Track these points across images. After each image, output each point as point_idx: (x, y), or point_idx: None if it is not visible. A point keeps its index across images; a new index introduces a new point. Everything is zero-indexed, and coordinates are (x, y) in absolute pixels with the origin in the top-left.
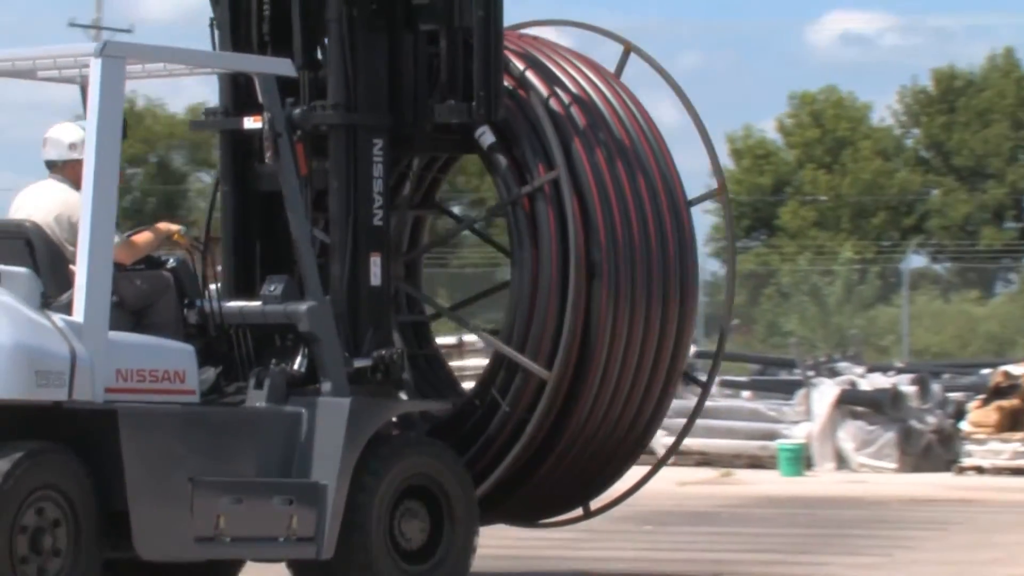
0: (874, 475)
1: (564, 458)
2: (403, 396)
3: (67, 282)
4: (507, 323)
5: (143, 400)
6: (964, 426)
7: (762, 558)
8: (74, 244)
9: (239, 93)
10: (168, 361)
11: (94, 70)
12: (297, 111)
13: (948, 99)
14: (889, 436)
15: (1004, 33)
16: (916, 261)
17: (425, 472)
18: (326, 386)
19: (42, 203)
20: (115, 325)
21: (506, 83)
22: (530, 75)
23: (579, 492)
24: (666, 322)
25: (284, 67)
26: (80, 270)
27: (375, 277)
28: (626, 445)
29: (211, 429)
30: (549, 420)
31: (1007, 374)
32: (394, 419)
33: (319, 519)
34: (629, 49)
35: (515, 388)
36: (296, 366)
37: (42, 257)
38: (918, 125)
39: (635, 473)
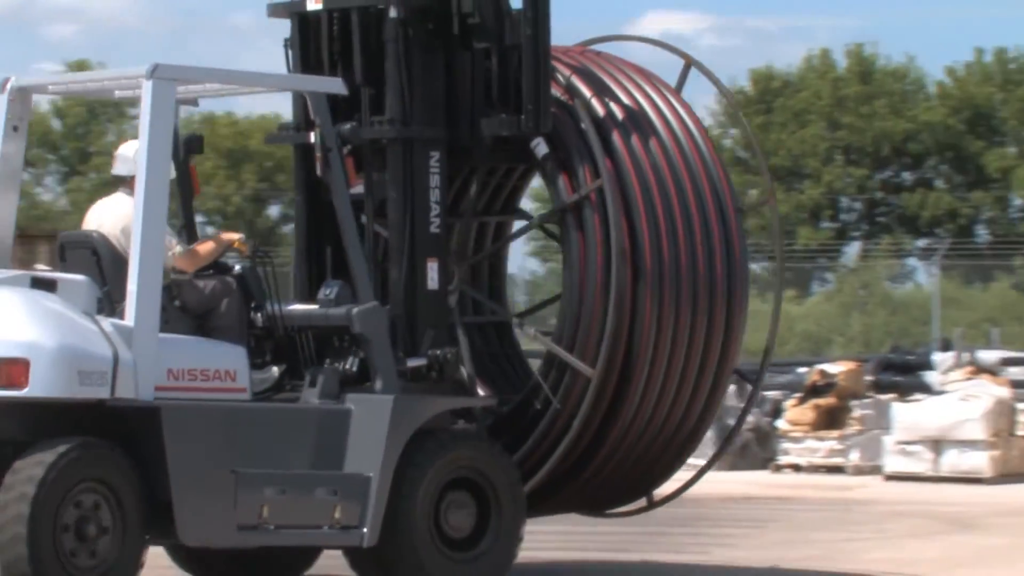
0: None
1: (615, 453)
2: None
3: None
4: (558, 324)
5: (194, 398)
6: (781, 424)
7: (582, 556)
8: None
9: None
10: (219, 361)
11: (145, 91)
12: (347, 126)
13: (766, 100)
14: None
15: (821, 34)
16: None
17: (471, 465)
18: (377, 384)
19: (110, 215)
20: (179, 328)
21: (558, 95)
22: (581, 87)
23: (634, 487)
24: (712, 325)
25: (335, 86)
26: (132, 277)
27: (432, 281)
28: (675, 444)
29: (259, 425)
30: (597, 417)
31: (823, 373)
32: (454, 414)
33: (363, 509)
34: (689, 63)
35: (564, 386)
36: (348, 365)
37: (107, 266)
38: (736, 125)
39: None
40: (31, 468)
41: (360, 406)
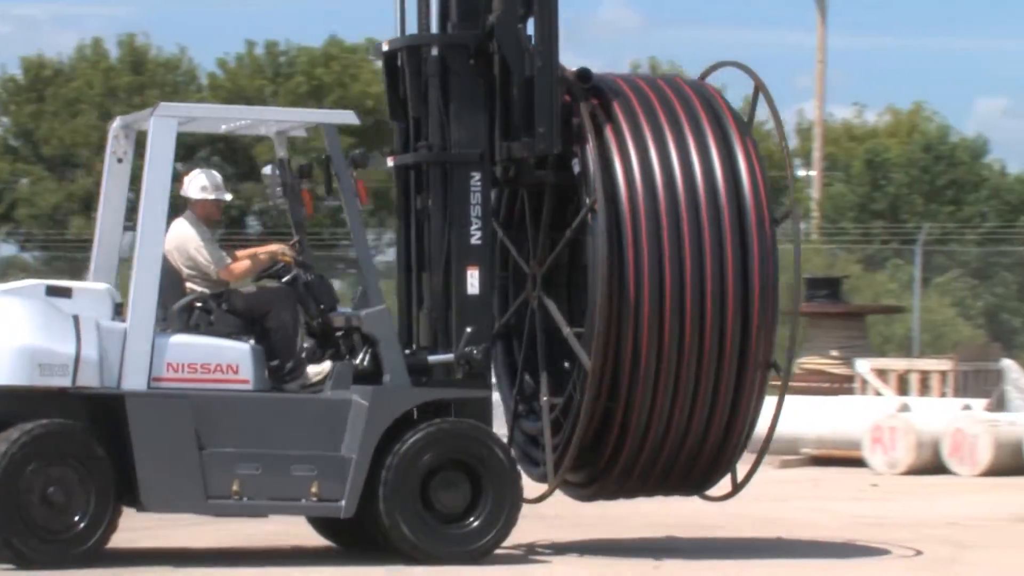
0: None
1: (646, 445)
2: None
3: (179, 295)
4: (586, 323)
5: (191, 388)
6: None
7: None
8: (186, 268)
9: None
10: (222, 357)
11: (150, 128)
12: (358, 152)
13: (37, 88)
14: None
15: (92, 23)
16: (6, 249)
17: (464, 449)
18: (386, 378)
19: (171, 235)
20: (233, 328)
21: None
22: (599, 112)
23: (689, 481)
24: (724, 337)
25: (346, 117)
26: (132, 286)
27: (472, 287)
28: (711, 443)
29: (253, 412)
30: (599, 407)
31: None
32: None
33: (342, 486)
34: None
35: (582, 378)
36: (360, 361)
37: (163, 278)
38: (7, 113)
39: None
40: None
41: (358, 396)
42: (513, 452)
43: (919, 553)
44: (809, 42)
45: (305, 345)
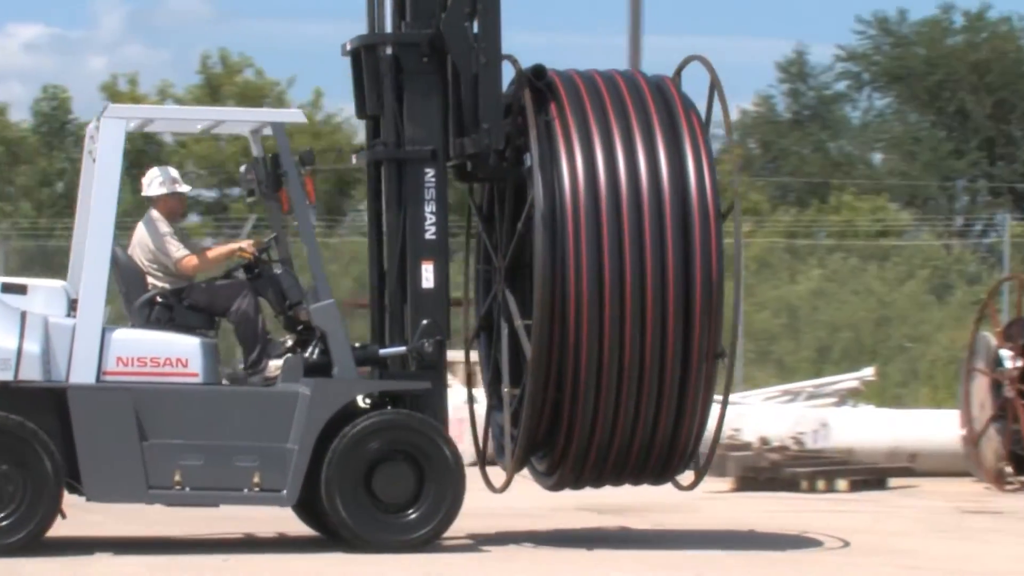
0: None
1: (596, 435)
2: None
3: (143, 292)
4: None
5: (138, 381)
6: None
7: None
8: (147, 263)
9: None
10: (172, 351)
11: (100, 128)
12: (305, 151)
13: None
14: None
15: None
16: None
17: (406, 439)
18: (335, 370)
19: (136, 233)
20: (194, 322)
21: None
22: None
23: (649, 471)
24: (666, 331)
25: (294, 116)
26: (81, 283)
27: (427, 281)
28: (661, 436)
29: (198, 405)
30: (542, 396)
31: None
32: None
33: (283, 476)
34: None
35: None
36: (309, 354)
37: (121, 274)
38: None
39: None
40: None
41: (304, 389)
42: (491, 443)
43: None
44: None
45: (282, 340)
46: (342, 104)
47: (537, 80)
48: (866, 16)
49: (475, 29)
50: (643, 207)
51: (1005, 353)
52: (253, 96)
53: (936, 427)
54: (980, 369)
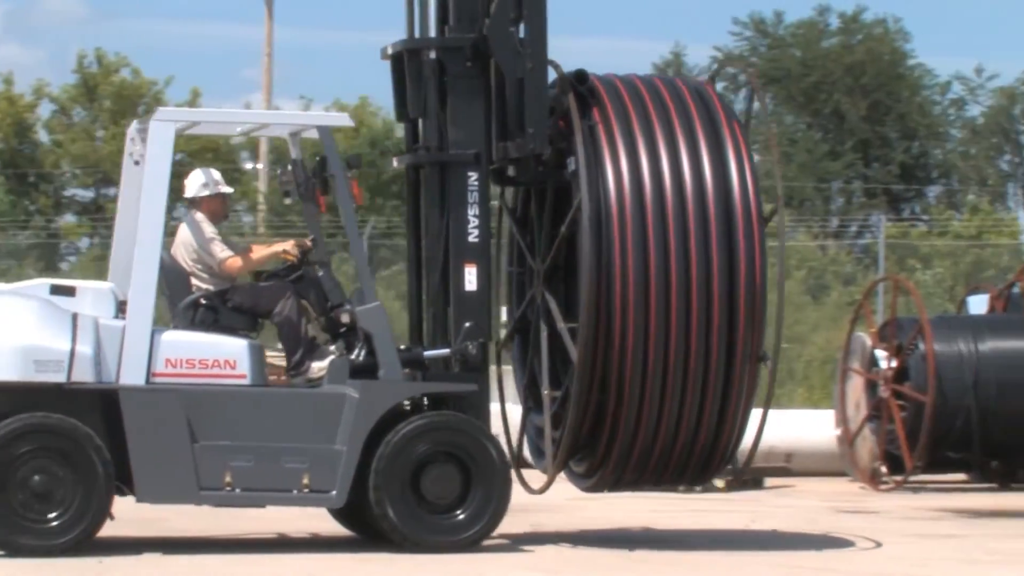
0: None
1: (639, 437)
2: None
3: (187, 293)
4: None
5: (187, 383)
6: None
7: None
8: (191, 265)
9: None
10: (220, 352)
11: (149, 132)
12: (353, 155)
13: None
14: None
15: None
16: None
17: (453, 441)
18: (381, 372)
19: (179, 235)
20: (237, 324)
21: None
22: (595, 114)
23: (688, 473)
24: (710, 331)
25: (341, 120)
26: (131, 285)
27: (469, 284)
28: (703, 436)
29: (247, 406)
30: (590, 398)
31: None
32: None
33: (332, 477)
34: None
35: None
36: (354, 355)
37: (165, 276)
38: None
39: None
40: None
41: (351, 390)
42: (526, 445)
43: None
44: (258, 36)
45: (326, 342)
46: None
47: (579, 84)
48: (743, 18)
49: (520, 34)
50: (688, 211)
51: (880, 353)
52: (129, 96)
53: (812, 427)
54: (855, 369)
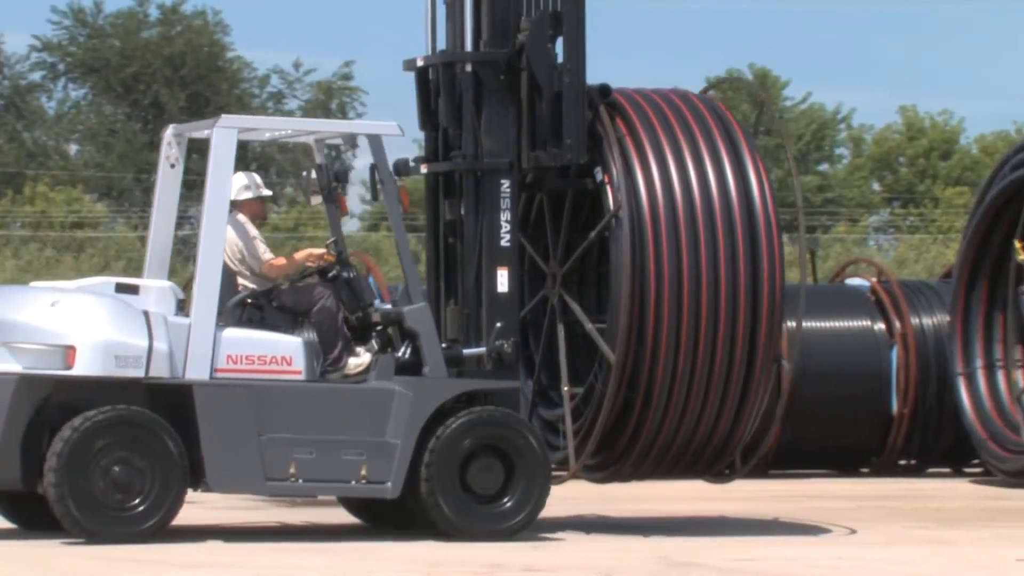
0: None
1: (661, 432)
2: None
3: (232, 293)
4: (608, 319)
5: (248, 378)
6: None
7: None
8: (235, 265)
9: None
10: (277, 349)
11: (212, 137)
12: (400, 160)
13: None
14: None
15: None
16: None
17: (497, 435)
18: (426, 369)
19: (227, 236)
20: (281, 323)
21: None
22: (620, 126)
23: (699, 466)
24: (735, 333)
25: (389, 129)
26: (195, 284)
27: (502, 285)
28: (719, 433)
29: (306, 400)
30: (620, 397)
31: None
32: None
33: (388, 468)
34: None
35: (604, 369)
36: (402, 354)
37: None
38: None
39: None
40: (67, 430)
41: (401, 387)
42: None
43: None
44: None
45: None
46: None
47: (602, 98)
48: (62, 7)
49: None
50: (716, 220)
51: None
52: None
53: None
54: None
